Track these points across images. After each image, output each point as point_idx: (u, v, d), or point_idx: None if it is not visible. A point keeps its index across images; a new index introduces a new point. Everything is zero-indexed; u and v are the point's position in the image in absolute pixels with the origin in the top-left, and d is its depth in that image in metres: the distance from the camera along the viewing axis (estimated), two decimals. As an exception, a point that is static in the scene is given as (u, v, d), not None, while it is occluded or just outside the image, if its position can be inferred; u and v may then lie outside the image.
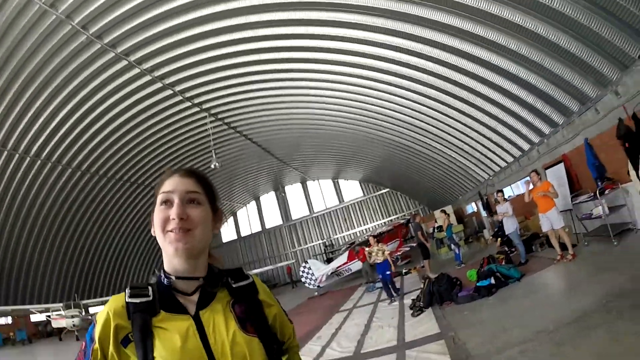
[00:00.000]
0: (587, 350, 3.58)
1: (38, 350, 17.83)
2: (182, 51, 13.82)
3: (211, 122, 18.88)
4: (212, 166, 18.25)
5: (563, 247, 7.92)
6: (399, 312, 8.55)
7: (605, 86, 7.80)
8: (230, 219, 38.25)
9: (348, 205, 35.43)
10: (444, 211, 16.50)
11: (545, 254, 9.19)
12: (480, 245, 16.52)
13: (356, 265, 17.33)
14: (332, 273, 18.00)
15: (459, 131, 13.76)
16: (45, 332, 22.98)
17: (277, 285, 33.37)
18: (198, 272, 1.12)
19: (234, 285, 1.17)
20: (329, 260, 25.07)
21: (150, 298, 1.06)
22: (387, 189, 33.85)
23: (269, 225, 37.54)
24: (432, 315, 7.26)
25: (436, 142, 15.80)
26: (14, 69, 13.69)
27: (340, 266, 18.20)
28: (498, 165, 14.40)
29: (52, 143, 17.19)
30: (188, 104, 17.28)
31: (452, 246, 13.31)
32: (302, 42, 12.70)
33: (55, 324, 19.03)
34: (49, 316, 19.56)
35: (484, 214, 17.62)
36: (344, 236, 34.86)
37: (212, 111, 18.31)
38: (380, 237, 18.09)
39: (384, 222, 32.34)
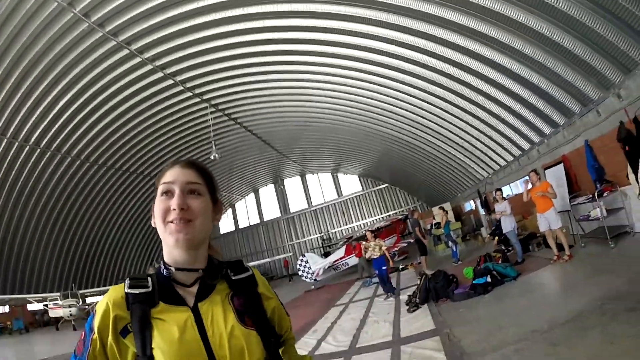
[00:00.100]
0: (582, 351, 3.61)
1: (35, 340, 17.85)
2: (184, 41, 13.73)
3: (211, 112, 18.83)
4: (212, 157, 18.22)
5: (560, 247, 7.95)
6: (394, 307, 8.59)
7: (607, 89, 7.79)
8: (229, 211, 38.25)
9: (346, 200, 35.49)
10: (442, 208, 16.53)
11: (542, 254, 9.21)
12: (477, 243, 16.55)
13: (353, 259, 17.35)
14: (329, 267, 18.04)
15: (459, 128, 13.75)
16: (42, 322, 23.08)
17: (274, 278, 33.48)
18: (198, 264, 1.12)
19: (233, 278, 1.17)
20: (326, 254, 25.14)
21: (150, 289, 1.07)
22: (386, 184, 33.90)
23: (267, 217, 37.59)
24: (427, 311, 7.30)
25: (436, 138, 15.79)
26: (14, 57, 13.60)
27: (337, 260, 18.23)
28: (497, 164, 14.41)
29: (52, 131, 17.13)
30: (189, 94, 17.22)
31: (450, 243, 13.35)
32: (304, 35, 12.64)
33: (53, 313, 19.10)
34: (46, 305, 19.58)
35: (482, 212, 17.65)
36: (341, 230, 34.95)
37: (213, 102, 18.26)
38: (378, 232, 18.16)
39: (382, 217, 32.39)
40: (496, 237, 11.81)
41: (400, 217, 23.02)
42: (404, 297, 9.05)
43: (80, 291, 20.27)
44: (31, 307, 22.01)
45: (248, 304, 1.14)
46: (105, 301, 1.05)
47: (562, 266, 7.49)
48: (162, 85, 16.54)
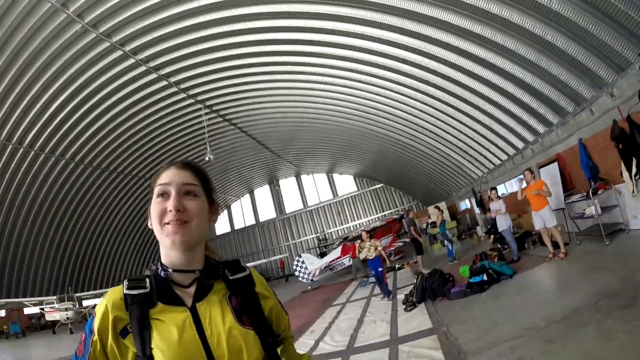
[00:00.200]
0: (577, 348, 3.64)
1: (32, 344, 17.68)
2: (178, 42, 13.65)
3: (206, 114, 18.75)
4: (207, 159, 18.19)
5: (555, 245, 8.02)
6: (391, 307, 8.61)
7: (600, 88, 7.85)
8: (224, 212, 38.13)
9: (342, 200, 35.46)
10: (437, 207, 16.56)
11: (537, 252, 9.28)
12: (473, 241, 16.63)
13: (349, 259, 17.38)
14: (325, 267, 18.05)
15: (454, 128, 13.80)
16: (39, 325, 22.81)
17: (270, 279, 33.38)
18: (195, 264, 1.13)
19: (230, 278, 1.18)
20: (322, 255, 25.14)
21: (148, 290, 1.08)
22: (381, 184, 33.92)
23: (262, 218, 37.50)
24: (424, 310, 7.32)
25: (431, 138, 15.84)
26: (7, 58, 13.44)
27: (333, 260, 18.26)
28: (492, 163, 14.47)
29: (46, 134, 16.96)
30: (183, 95, 17.14)
31: (445, 242, 13.40)
32: (298, 36, 12.61)
33: (49, 317, 18.86)
34: (42, 309, 19.37)
35: (477, 211, 17.73)
36: (337, 230, 34.89)
37: (207, 103, 18.18)
38: (374, 232, 18.22)
39: (378, 217, 32.41)
40: (492, 236, 11.89)
41: (395, 216, 23.08)
42: (400, 296, 9.06)
43: (77, 294, 20.02)
44: (27, 311, 21.71)
45: (245, 304, 1.15)
46: (105, 303, 1.06)
47: (557, 264, 7.55)
48: (156, 87, 16.44)
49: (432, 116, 13.95)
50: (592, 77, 7.92)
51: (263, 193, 37.84)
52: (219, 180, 29.81)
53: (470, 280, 7.67)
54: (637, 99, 6.57)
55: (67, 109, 16.32)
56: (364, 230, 11.62)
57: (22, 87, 14.65)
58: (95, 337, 1.02)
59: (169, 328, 1.02)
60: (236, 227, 38.24)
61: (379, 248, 10.27)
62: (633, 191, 7.11)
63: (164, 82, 16.07)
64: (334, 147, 25.10)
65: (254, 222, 37.71)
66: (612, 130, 7.37)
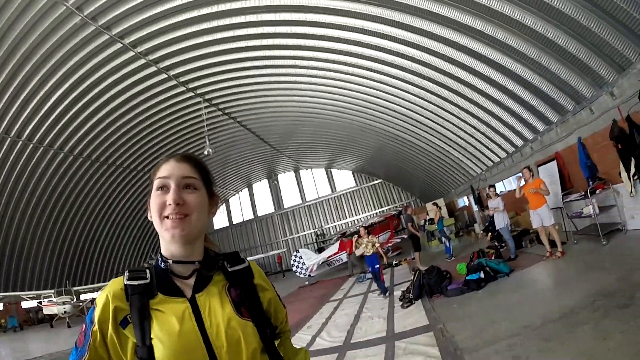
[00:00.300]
0: (574, 347, 3.66)
1: (29, 337, 17.72)
2: (177, 35, 13.59)
3: (205, 107, 18.70)
4: (206, 152, 18.16)
5: (552, 244, 8.03)
6: (388, 303, 8.63)
7: (601, 87, 7.84)
8: (223, 206, 38.12)
9: (340, 195, 35.52)
10: (435, 204, 16.59)
11: (534, 250, 9.31)
12: (470, 239, 16.67)
13: (347, 255, 17.43)
14: (323, 262, 18.09)
15: (453, 124, 13.78)
16: (37, 319, 22.92)
17: (268, 274, 33.48)
18: (194, 256, 1.14)
19: (229, 269, 1.19)
20: (320, 250, 25.19)
21: (148, 281, 1.08)
22: (380, 180, 33.97)
23: (261, 213, 37.53)
24: (421, 307, 7.34)
25: (430, 134, 15.83)
26: (6, 51, 13.39)
27: (331, 256, 18.29)
28: (491, 160, 14.48)
29: (45, 127, 16.92)
30: (182, 88, 17.08)
31: (443, 239, 13.43)
32: (298, 30, 12.56)
33: (47, 310, 18.91)
34: (40, 303, 19.42)
35: (475, 208, 17.76)
36: (335, 226, 34.98)
37: (207, 96, 18.13)
38: (372, 228, 18.24)
39: (376, 213, 32.48)
40: (489, 233, 11.91)
41: (393, 212, 23.11)
42: (397, 292, 9.09)
43: (75, 288, 20.10)
44: (25, 304, 21.81)
45: (244, 295, 1.16)
46: (105, 293, 1.07)
47: (554, 263, 7.57)
48: (155, 80, 16.39)
49: (431, 112, 13.93)
50: (592, 76, 7.91)
51: (261, 187, 37.86)
52: (218, 174, 29.78)
53: (467, 278, 7.68)
54: (637, 99, 6.56)
55: (66, 102, 16.27)
56: (362, 226, 11.61)
57: (21, 79, 14.59)
58: (96, 327, 1.03)
59: (168, 318, 1.03)
60: (234, 221, 38.26)
61: (377, 245, 10.15)
62: (631, 191, 7.12)
63: (164, 75, 16.01)
64: (333, 142, 25.09)
65: (252, 217, 37.74)
66: (612, 130, 7.37)
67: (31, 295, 19.59)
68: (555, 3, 7.17)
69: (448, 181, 21.11)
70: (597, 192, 7.89)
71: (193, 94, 17.62)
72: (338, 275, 17.58)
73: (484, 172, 15.85)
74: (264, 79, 16.51)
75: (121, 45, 13.80)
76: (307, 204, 36.37)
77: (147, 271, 1.11)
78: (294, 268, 18.39)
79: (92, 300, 19.54)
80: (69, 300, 18.29)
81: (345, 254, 17.59)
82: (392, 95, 14.23)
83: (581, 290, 5.21)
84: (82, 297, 20.47)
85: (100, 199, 23.59)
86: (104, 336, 1.03)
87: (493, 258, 8.65)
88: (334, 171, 35.65)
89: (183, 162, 1.17)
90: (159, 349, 0.98)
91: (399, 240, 18.98)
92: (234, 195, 38.20)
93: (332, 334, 7.25)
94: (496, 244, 10.75)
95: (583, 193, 8.23)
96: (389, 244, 18.73)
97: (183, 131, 21.43)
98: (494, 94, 10.73)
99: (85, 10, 12.22)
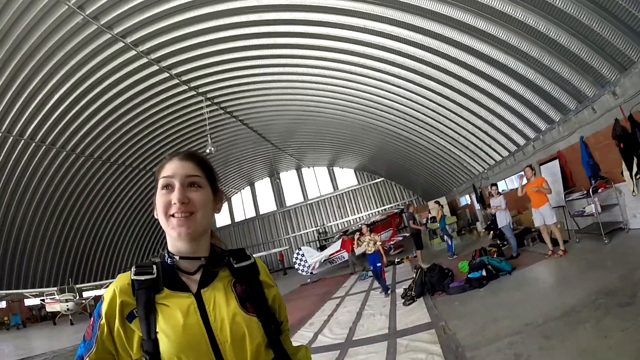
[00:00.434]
0: (575, 345, 3.68)
1: (32, 335, 17.73)
2: (179, 34, 13.62)
3: (207, 106, 18.73)
4: (208, 150, 18.19)
5: (554, 242, 8.04)
6: (390, 301, 8.64)
7: (603, 86, 7.83)
8: (225, 204, 38.18)
9: (342, 193, 35.53)
10: (437, 202, 16.56)
11: (536, 249, 9.30)
12: (472, 237, 16.67)
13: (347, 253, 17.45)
14: (325, 260, 18.09)
15: (456, 123, 13.77)
16: (40, 317, 23.00)
17: (270, 271, 33.23)
18: (200, 252, 1.17)
19: (235, 265, 1.21)
20: (322, 248, 25.20)
21: (154, 276, 1.11)
22: (382, 178, 33.96)
23: (263, 211, 37.57)
24: (423, 304, 7.35)
25: (432, 133, 15.81)
26: (8, 50, 13.46)
27: (333, 254, 18.28)
28: (493, 159, 14.47)
29: (47, 125, 17.00)
30: (184, 87, 17.11)
31: (445, 237, 13.43)
32: (300, 29, 12.56)
33: (50, 308, 19.02)
34: (43, 300, 19.52)
35: (477, 206, 17.74)
36: (337, 224, 35.00)
37: (209, 95, 18.15)
38: (374, 226, 18.25)
39: (378, 211, 32.45)
40: (491, 232, 11.92)
41: (395, 211, 23.10)
42: (399, 290, 9.10)
43: (77, 286, 20.17)
44: (28, 302, 21.88)
45: (250, 291, 1.17)
46: (112, 288, 1.10)
47: (556, 261, 7.58)
48: (157, 79, 16.43)
49: (433, 111, 13.91)
50: (594, 75, 7.91)
51: (263, 186, 37.90)
52: (220, 172, 29.77)
53: (469, 276, 7.69)
54: (640, 97, 6.57)
55: (68, 101, 16.33)
56: (365, 224, 11.61)
57: (23, 79, 14.66)
58: (103, 320, 1.06)
59: (174, 313, 1.05)
60: (236, 219, 38.33)
61: (378, 243, 10.13)
62: (633, 190, 7.12)
63: (165, 74, 16.04)
64: (335, 140, 25.08)
65: (254, 215, 37.78)
66: (614, 129, 7.37)
67: (34, 293, 19.69)
68: (557, 2, 7.16)
69: (450, 179, 21.09)
70: (599, 191, 7.89)
71: (195, 92, 17.64)
72: (340, 273, 17.58)
73: (486, 171, 15.84)
74: (265, 77, 16.51)
75: (123, 44, 13.84)
76: (309, 202, 36.40)
77: (154, 266, 1.13)
78: (296, 266, 18.40)
79: (95, 298, 19.63)
80: (72, 297, 18.37)
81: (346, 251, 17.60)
82: (394, 94, 14.22)
83: (583, 288, 5.22)
84: (85, 294, 20.52)
85: (102, 197, 23.67)
86: (111, 329, 1.05)
87: (495, 256, 8.64)
88: (336, 169, 35.65)
89: (186, 160, 1.18)
90: (164, 343, 1.00)
91: (400, 238, 18.98)
92: (236, 193, 38.25)
93: (334, 331, 7.27)
94: (498, 242, 10.76)
95: (585, 192, 8.23)
96: (391, 242, 18.74)
97: (185, 129, 21.47)
98: (496, 92, 10.72)
99: (86, 9, 12.26)
